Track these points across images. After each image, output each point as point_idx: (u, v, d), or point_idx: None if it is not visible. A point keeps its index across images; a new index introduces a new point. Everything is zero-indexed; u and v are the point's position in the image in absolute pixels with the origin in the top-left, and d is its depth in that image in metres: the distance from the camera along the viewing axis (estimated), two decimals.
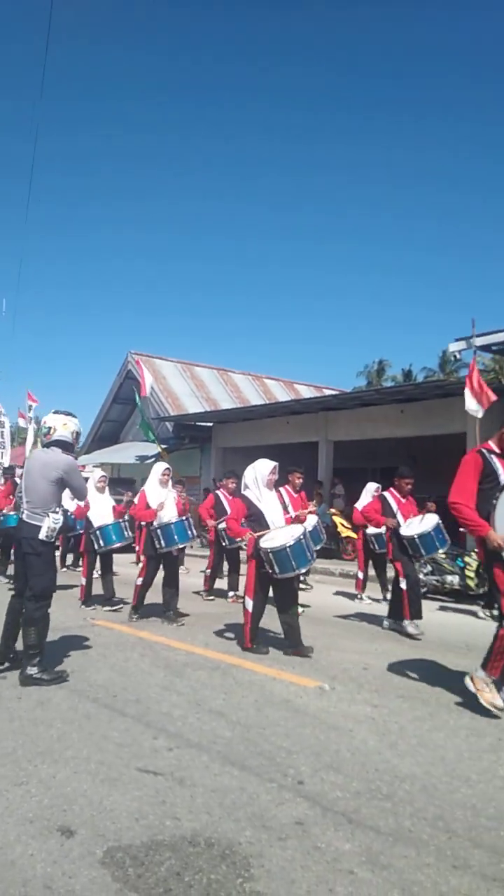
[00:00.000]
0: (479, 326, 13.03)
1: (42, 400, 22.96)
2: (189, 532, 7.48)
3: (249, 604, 5.99)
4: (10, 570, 10.15)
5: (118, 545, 8.37)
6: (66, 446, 5.22)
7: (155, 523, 7.38)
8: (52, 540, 5.02)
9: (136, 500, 8.16)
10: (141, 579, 7.40)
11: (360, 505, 9.37)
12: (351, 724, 4.14)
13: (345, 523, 14.23)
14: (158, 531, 7.32)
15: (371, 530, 9.01)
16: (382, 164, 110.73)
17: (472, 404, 11.74)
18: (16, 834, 2.74)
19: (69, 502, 10.20)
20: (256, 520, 6.11)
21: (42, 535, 4.92)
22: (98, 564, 8.62)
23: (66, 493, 9.22)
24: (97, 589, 8.51)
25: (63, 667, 5.26)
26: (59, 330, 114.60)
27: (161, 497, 7.54)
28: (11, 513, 9.89)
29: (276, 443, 18.32)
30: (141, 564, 7.56)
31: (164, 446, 20.08)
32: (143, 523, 8.28)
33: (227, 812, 2.95)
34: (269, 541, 5.88)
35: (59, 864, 2.53)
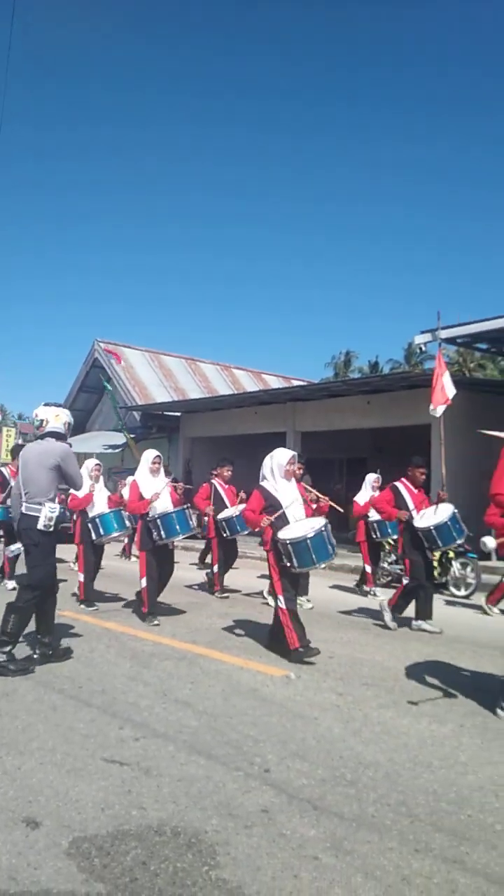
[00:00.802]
0: (444, 319, 13.20)
1: (6, 390, 22.75)
2: (190, 522, 7.03)
3: (282, 601, 5.54)
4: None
5: (118, 534, 7.97)
6: (59, 437, 5.28)
7: (151, 513, 6.87)
8: (51, 529, 5.03)
9: (124, 492, 7.82)
10: (144, 579, 6.84)
11: (360, 498, 9.12)
12: (316, 713, 4.19)
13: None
14: (158, 521, 6.80)
15: (373, 517, 8.82)
16: (352, 154, 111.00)
17: (436, 406, 11.81)
18: None
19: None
20: (274, 512, 5.72)
21: (40, 525, 4.96)
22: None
23: None
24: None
25: (28, 658, 5.22)
26: (24, 318, 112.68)
27: (154, 487, 7.00)
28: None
29: (245, 433, 18.34)
30: (139, 562, 7.02)
31: (131, 435, 19.95)
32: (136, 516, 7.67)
33: (193, 801, 2.97)
34: (288, 532, 5.55)
35: (24, 855, 2.52)
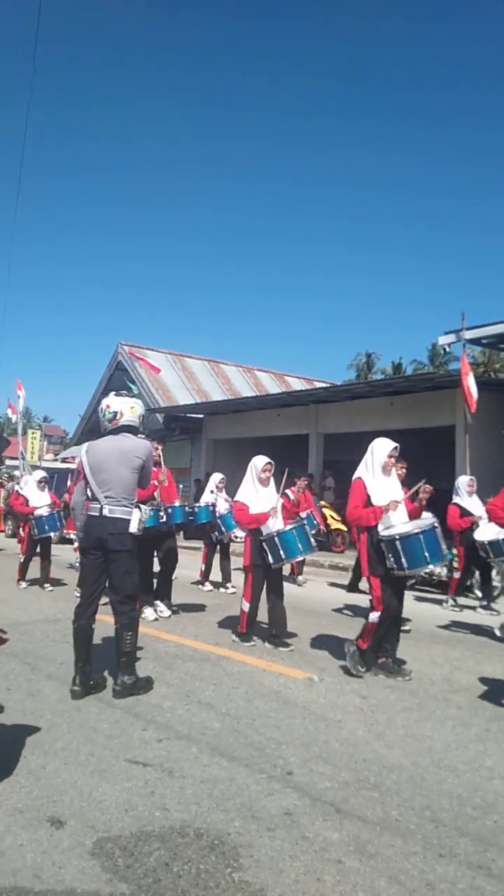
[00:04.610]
0: (468, 320, 13.10)
1: (32, 390, 22.98)
2: (442, 546, 5.08)
3: None
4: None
5: (302, 557, 6.50)
6: (134, 431, 4.73)
7: (387, 530, 5.03)
8: (141, 534, 4.62)
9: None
10: (377, 614, 4.97)
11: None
12: (339, 715, 4.17)
13: (335, 515, 14.28)
14: (398, 543, 4.93)
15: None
16: (376, 167, 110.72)
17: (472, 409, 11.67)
18: (5, 825, 2.75)
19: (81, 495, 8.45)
20: None
21: (133, 529, 4.49)
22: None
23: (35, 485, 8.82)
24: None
25: (55, 658, 5.27)
26: (50, 320, 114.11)
27: (390, 493, 5.18)
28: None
29: (267, 435, 18.35)
30: (371, 590, 5.09)
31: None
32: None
33: (216, 803, 2.97)
34: None
35: (48, 854, 2.54)
